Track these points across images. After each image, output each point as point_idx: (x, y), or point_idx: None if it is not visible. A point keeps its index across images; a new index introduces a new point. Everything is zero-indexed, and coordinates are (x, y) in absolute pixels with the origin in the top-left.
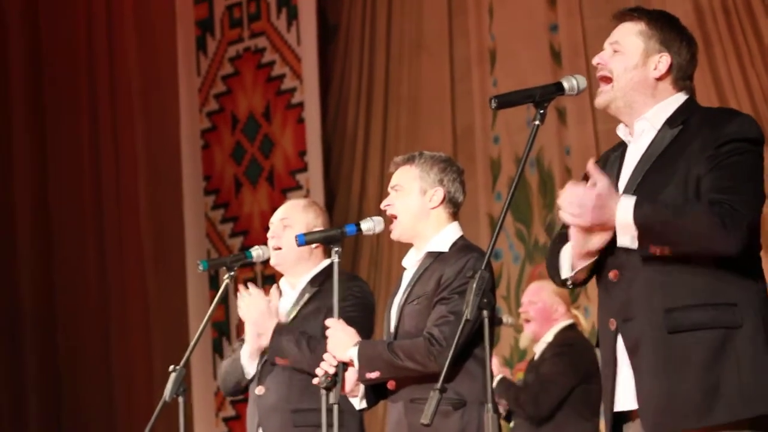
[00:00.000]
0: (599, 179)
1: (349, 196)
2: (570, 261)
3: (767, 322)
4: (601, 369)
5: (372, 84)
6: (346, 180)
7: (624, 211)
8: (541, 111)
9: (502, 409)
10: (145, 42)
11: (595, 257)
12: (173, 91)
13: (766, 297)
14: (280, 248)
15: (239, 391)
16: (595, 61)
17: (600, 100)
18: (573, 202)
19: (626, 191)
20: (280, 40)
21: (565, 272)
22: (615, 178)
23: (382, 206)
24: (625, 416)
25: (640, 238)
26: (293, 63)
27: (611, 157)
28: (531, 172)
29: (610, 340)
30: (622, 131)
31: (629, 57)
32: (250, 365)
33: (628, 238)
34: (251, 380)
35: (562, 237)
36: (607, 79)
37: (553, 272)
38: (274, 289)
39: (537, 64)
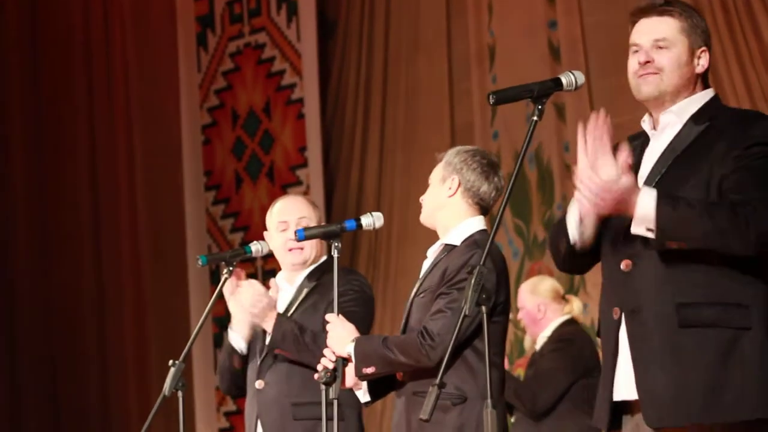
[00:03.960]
0: (625, 173)
1: (347, 192)
2: (576, 222)
3: None
4: (602, 357)
5: (370, 80)
6: (344, 175)
7: (645, 204)
8: (539, 107)
9: None
10: (145, 38)
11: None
12: (174, 86)
13: None
14: (302, 248)
15: (234, 380)
16: (641, 58)
17: (649, 90)
18: (594, 191)
19: (646, 184)
20: (280, 35)
21: (572, 234)
22: (636, 169)
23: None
24: (625, 407)
25: (659, 231)
26: (293, 59)
27: (632, 146)
28: (530, 168)
29: (612, 329)
30: (647, 123)
31: (680, 54)
32: (238, 339)
33: (642, 228)
34: (245, 362)
35: (563, 220)
36: (653, 73)
37: (559, 245)
38: (272, 281)
39: (536, 60)
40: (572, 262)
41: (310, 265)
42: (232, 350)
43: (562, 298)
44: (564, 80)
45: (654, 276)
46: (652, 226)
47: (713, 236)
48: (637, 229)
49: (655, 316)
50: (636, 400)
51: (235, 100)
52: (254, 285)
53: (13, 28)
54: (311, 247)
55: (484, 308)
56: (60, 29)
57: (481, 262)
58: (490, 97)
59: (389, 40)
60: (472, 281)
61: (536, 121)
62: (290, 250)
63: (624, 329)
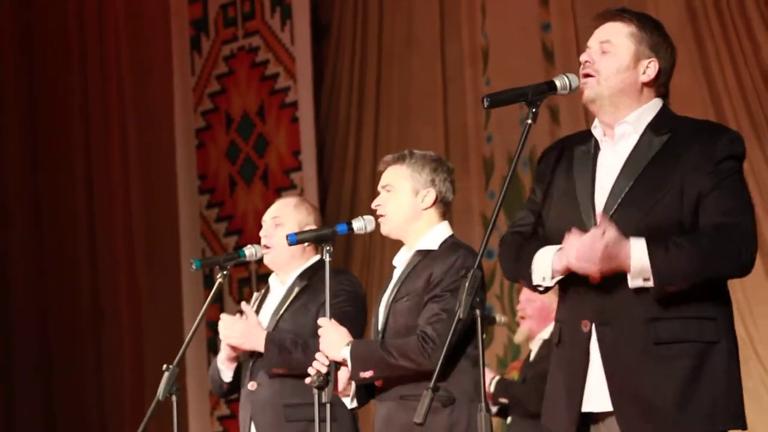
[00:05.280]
0: (607, 228)
1: (340, 195)
2: (548, 269)
3: (735, 338)
4: (560, 367)
5: (363, 83)
6: (337, 178)
7: (638, 257)
8: (534, 110)
9: (494, 408)
10: (139, 41)
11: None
12: (168, 90)
13: (733, 313)
14: (269, 247)
15: (225, 394)
16: (583, 58)
17: (588, 93)
18: (581, 255)
19: (613, 194)
20: (274, 39)
21: (538, 279)
22: (590, 179)
23: (372, 206)
24: (592, 417)
25: (657, 279)
26: (287, 62)
27: (577, 151)
28: (524, 171)
29: (581, 341)
30: (598, 130)
31: (620, 59)
32: (225, 371)
33: (640, 280)
34: (231, 385)
35: (523, 237)
36: (592, 76)
37: (520, 273)
38: (244, 304)
39: (530, 63)
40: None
41: (297, 266)
42: (221, 380)
43: None
44: (558, 83)
45: (625, 290)
46: (649, 275)
47: (709, 270)
48: (635, 282)
49: (627, 330)
50: (604, 413)
51: (229, 104)
52: (224, 318)
53: (7, 34)
54: (283, 250)
55: (478, 311)
56: (55, 34)
57: (475, 266)
58: (485, 100)
59: (382, 42)
60: (466, 285)
61: (530, 125)
62: (264, 248)
63: (595, 342)
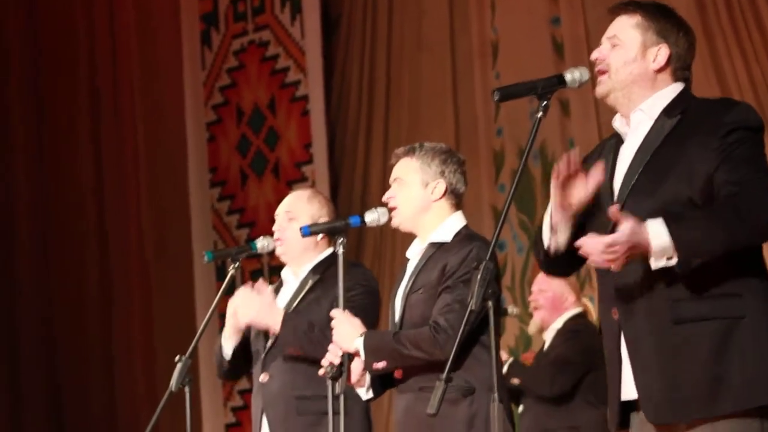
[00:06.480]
0: (624, 222)
1: (352, 188)
2: (548, 230)
3: None
4: (606, 358)
5: (374, 76)
6: (348, 171)
7: (658, 236)
8: (544, 103)
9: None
10: (149, 36)
11: (574, 217)
12: (178, 84)
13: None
14: (279, 240)
15: (227, 373)
16: (593, 56)
17: (600, 90)
18: (604, 254)
19: (625, 183)
20: (284, 33)
21: (546, 241)
22: (610, 170)
23: (384, 199)
24: (632, 405)
25: (682, 255)
26: (297, 56)
27: (606, 146)
28: (534, 164)
29: (613, 330)
30: (618, 122)
31: (628, 50)
32: (227, 345)
33: (663, 260)
34: (232, 365)
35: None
36: (605, 72)
37: (538, 249)
38: (260, 282)
39: (539, 56)
40: (552, 266)
41: (310, 258)
42: (222, 357)
43: (578, 296)
44: (568, 77)
45: (644, 273)
46: (672, 253)
47: (730, 240)
48: (658, 263)
49: (648, 314)
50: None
51: (240, 98)
52: (241, 293)
53: (15, 28)
54: (296, 243)
55: (490, 303)
56: (63, 28)
57: (488, 257)
58: (495, 93)
59: (392, 35)
60: (478, 276)
61: (541, 118)
62: (276, 241)
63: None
